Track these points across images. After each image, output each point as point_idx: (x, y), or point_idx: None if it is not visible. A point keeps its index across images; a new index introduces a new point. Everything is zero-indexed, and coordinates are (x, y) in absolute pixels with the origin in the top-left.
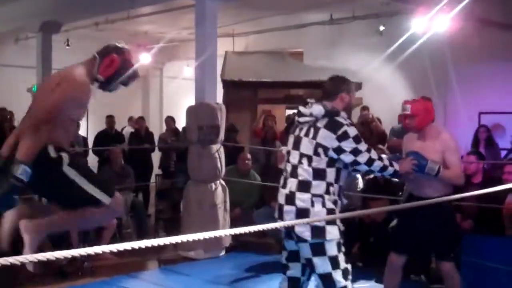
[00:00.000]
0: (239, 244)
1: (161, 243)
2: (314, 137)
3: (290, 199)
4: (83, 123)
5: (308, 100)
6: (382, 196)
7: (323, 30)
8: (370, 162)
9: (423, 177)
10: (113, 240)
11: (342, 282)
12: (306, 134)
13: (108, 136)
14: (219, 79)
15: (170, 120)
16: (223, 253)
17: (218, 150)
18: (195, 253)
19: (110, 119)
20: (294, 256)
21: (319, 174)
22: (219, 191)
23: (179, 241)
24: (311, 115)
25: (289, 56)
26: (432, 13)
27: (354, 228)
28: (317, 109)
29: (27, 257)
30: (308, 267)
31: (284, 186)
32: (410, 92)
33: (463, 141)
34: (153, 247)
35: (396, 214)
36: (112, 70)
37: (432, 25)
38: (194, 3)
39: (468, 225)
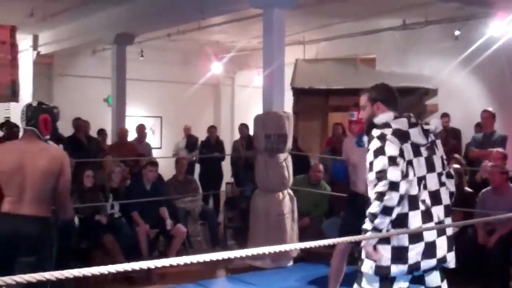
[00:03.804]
0: (307, 255)
1: (231, 256)
2: (440, 153)
3: (442, 229)
4: (156, 132)
5: (418, 119)
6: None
7: (395, 36)
8: None
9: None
10: (182, 248)
11: None
12: (434, 153)
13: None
14: (287, 87)
15: (244, 127)
16: (291, 263)
17: (285, 159)
18: (262, 262)
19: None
20: None
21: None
22: (287, 200)
23: (249, 254)
24: (434, 132)
25: (360, 62)
26: (510, 17)
27: None
28: (438, 123)
29: (99, 269)
30: None
31: (429, 219)
32: (487, 97)
33: None
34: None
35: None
36: (50, 127)
37: (510, 28)
38: (262, 12)
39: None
